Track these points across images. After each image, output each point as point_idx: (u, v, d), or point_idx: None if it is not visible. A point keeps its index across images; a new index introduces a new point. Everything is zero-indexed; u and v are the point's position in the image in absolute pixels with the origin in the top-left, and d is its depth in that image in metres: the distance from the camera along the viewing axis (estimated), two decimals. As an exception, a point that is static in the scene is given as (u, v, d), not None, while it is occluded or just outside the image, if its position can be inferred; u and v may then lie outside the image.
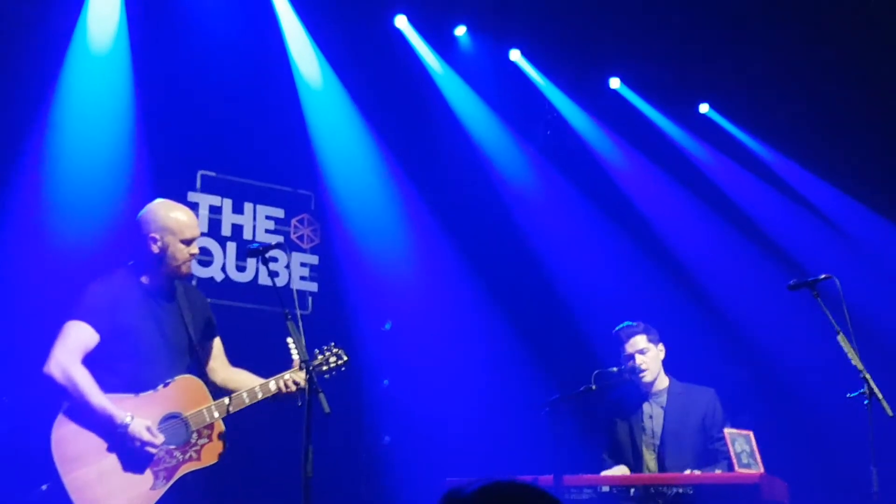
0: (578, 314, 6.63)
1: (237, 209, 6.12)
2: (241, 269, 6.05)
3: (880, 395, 4.15)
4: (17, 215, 5.00)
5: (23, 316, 4.55)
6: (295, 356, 3.95)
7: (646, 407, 5.07)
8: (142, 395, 3.81)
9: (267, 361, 4.81)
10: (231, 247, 6.03)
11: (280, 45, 6.11)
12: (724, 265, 6.87)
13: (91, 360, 3.76)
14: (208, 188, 6.03)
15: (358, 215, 6.33)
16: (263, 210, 6.21)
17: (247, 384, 4.05)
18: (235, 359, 5.47)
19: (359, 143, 6.36)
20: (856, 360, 4.24)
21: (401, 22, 6.53)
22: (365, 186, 6.38)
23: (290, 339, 3.91)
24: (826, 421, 5.88)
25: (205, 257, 5.95)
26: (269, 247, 4.13)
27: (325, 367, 4.15)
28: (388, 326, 6.23)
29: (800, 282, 4.55)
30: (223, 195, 6.07)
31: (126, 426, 3.68)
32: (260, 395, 4.01)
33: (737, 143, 7.29)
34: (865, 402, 4.18)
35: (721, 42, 6.73)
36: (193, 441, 3.85)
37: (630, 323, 5.09)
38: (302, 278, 6.25)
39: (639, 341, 5.02)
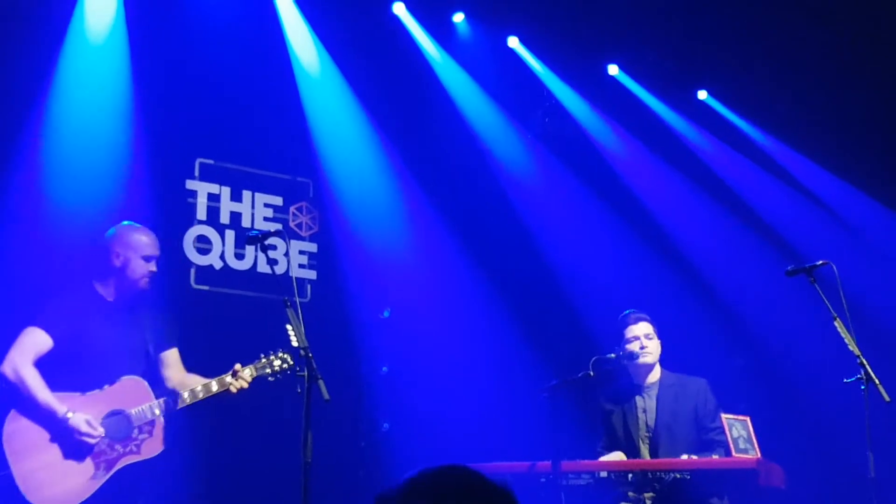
0: (576, 301, 6.64)
1: (235, 197, 6.12)
2: (239, 256, 6.06)
3: (877, 381, 4.18)
4: (14, 207, 5.00)
5: (21, 306, 4.56)
6: (294, 343, 3.97)
7: (638, 400, 5.07)
8: (88, 393, 4.17)
9: (266, 349, 4.83)
10: (230, 235, 6.04)
11: (278, 33, 6.10)
12: (722, 252, 6.88)
13: (44, 363, 4.13)
14: (206, 176, 6.03)
15: (356, 203, 6.34)
16: (262, 198, 6.21)
17: (196, 384, 4.33)
18: (235, 346, 5.50)
19: (357, 131, 6.36)
20: (853, 346, 4.26)
21: (399, 9, 6.52)
22: (363, 174, 6.38)
23: (289, 326, 3.95)
24: (823, 406, 5.90)
25: (204, 245, 5.96)
26: (267, 234, 4.24)
27: (268, 370, 4.37)
28: (386, 314, 6.25)
29: (797, 268, 4.57)
30: (221, 183, 6.07)
31: (67, 420, 4.05)
32: (201, 395, 4.29)
33: (735, 129, 7.28)
34: (862, 387, 4.20)
35: (719, 29, 6.72)
36: (135, 436, 4.18)
37: (637, 310, 5.11)
38: (301, 266, 6.26)
39: (647, 327, 5.05)
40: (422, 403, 5.98)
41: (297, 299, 4.04)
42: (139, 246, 4.38)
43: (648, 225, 6.99)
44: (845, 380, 4.29)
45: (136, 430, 4.18)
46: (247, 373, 4.31)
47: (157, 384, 4.36)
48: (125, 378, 4.24)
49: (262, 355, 4.39)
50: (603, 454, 5.02)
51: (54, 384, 4.14)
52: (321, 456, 3.97)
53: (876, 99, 6.83)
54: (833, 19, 6.54)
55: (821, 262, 4.49)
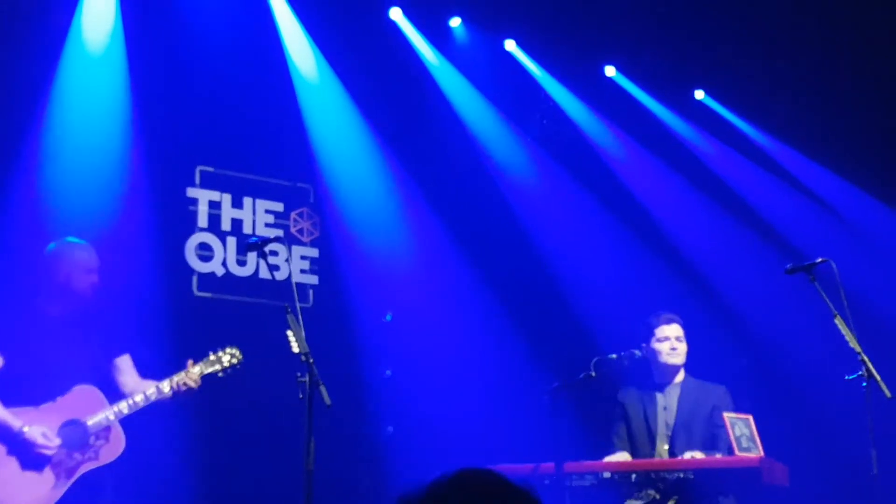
0: (576, 302, 6.65)
1: (236, 204, 6.13)
2: (241, 263, 6.07)
3: (878, 378, 4.18)
4: (13, 216, 5.01)
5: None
6: (295, 349, 3.99)
7: (660, 398, 5.10)
8: (41, 406, 4.22)
9: (268, 355, 4.85)
10: (231, 241, 6.05)
11: (275, 39, 6.12)
12: (721, 251, 6.88)
13: None
14: (207, 184, 6.04)
15: (357, 207, 6.35)
16: (263, 204, 6.23)
17: (136, 391, 4.37)
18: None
19: (356, 136, 6.38)
20: (853, 343, 4.27)
21: (395, 14, 6.53)
22: (363, 179, 6.39)
23: (289, 332, 3.97)
24: (825, 404, 5.91)
25: (205, 252, 5.98)
26: (267, 241, 4.26)
27: (218, 367, 4.46)
28: (389, 317, 6.26)
29: (796, 266, 4.58)
30: (222, 190, 6.08)
31: (22, 433, 4.11)
32: (154, 397, 4.34)
33: (733, 128, 7.29)
34: (864, 384, 4.20)
35: (716, 28, 6.73)
36: (91, 443, 4.23)
37: (669, 312, 5.13)
38: (302, 271, 6.27)
39: (679, 329, 5.09)
40: (425, 407, 5.99)
41: (299, 305, 4.06)
42: (79, 261, 4.42)
43: (647, 226, 7.00)
44: (847, 377, 4.30)
45: (92, 437, 4.24)
46: (196, 370, 4.40)
47: (113, 391, 4.39)
48: (77, 388, 4.29)
49: (211, 352, 4.47)
50: (616, 446, 5.03)
51: (7, 401, 4.17)
52: (325, 461, 3.99)
53: (875, 97, 6.84)
54: (831, 16, 6.55)
55: (820, 259, 4.50)
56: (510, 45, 6.95)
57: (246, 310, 5.92)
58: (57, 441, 4.16)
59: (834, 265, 4.43)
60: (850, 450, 5.24)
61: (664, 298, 6.12)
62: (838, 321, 4.32)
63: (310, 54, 6.25)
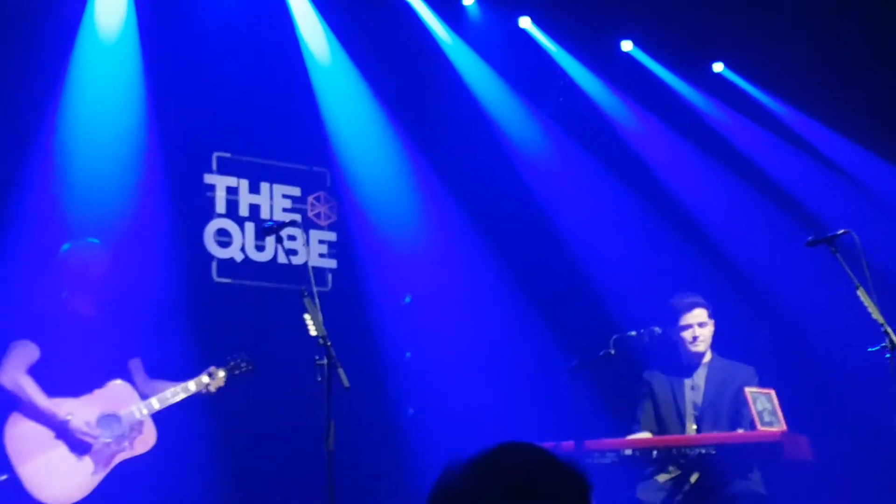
0: (595, 280, 6.61)
1: (254, 189, 6.15)
2: (260, 248, 6.09)
3: (901, 349, 4.13)
4: (30, 207, 5.05)
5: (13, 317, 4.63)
6: (312, 332, 4.01)
7: (687, 380, 5.07)
8: (80, 397, 4.45)
9: (288, 339, 4.87)
10: (249, 227, 6.07)
11: (288, 23, 6.11)
12: (742, 224, 6.81)
13: (35, 371, 4.40)
14: (224, 169, 6.06)
15: (374, 190, 6.34)
16: (280, 189, 6.24)
17: (167, 388, 4.63)
18: (259, 338, 5.54)
19: (371, 118, 6.36)
20: (876, 314, 4.23)
21: (408, -6, 6.50)
22: (379, 161, 6.38)
23: (306, 316, 3.99)
24: (848, 376, 5.85)
25: (224, 238, 6.00)
26: (283, 224, 4.31)
27: (236, 372, 4.76)
28: (407, 300, 6.26)
29: (818, 238, 4.53)
30: (239, 176, 6.10)
31: (68, 422, 4.36)
32: (181, 395, 4.61)
33: (752, 100, 7.19)
34: (887, 355, 4.16)
35: (733, -1, 6.64)
36: (126, 434, 4.46)
37: (693, 294, 5.08)
38: (321, 255, 6.28)
39: (701, 314, 5.04)
40: (445, 387, 6.00)
41: (316, 289, 4.08)
42: (91, 262, 4.62)
43: (667, 201, 6.94)
44: (870, 349, 4.26)
45: (127, 429, 4.47)
46: (221, 374, 4.69)
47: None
48: (111, 382, 4.54)
49: (231, 360, 4.76)
50: (644, 426, 5.02)
51: (47, 391, 4.40)
52: (346, 443, 4.01)
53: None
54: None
55: (842, 231, 4.44)
56: (525, 23, 6.89)
57: (265, 295, 5.95)
58: (98, 431, 4.40)
59: (856, 236, 4.38)
60: (873, 422, 5.19)
61: (684, 274, 6.09)
62: (861, 293, 4.27)
63: (323, 37, 6.23)
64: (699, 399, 5.01)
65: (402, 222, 6.35)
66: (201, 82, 5.74)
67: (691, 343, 5.00)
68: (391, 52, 6.45)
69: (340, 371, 3.84)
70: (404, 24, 6.47)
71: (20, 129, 5.15)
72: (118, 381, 4.56)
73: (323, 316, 4.04)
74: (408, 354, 6.11)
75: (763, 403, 4.60)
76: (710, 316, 5.07)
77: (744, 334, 6.14)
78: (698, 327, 5.01)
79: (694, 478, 4.65)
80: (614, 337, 4.73)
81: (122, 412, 4.48)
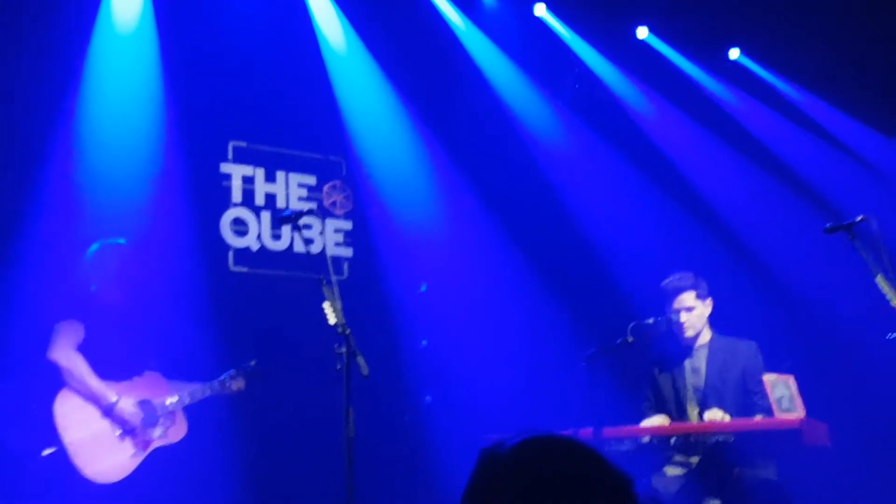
0: (613, 267, 6.60)
1: (270, 178, 6.16)
2: (276, 237, 6.11)
3: (921, 336, 4.12)
4: (48, 199, 5.07)
5: (56, 299, 4.68)
6: (332, 321, 4.02)
7: (687, 362, 5.05)
8: (121, 382, 4.60)
9: (305, 328, 4.89)
10: (265, 216, 6.09)
11: (304, 11, 6.10)
12: (760, 212, 6.78)
13: (82, 350, 4.53)
14: (240, 158, 6.07)
15: (389, 179, 6.35)
16: (296, 178, 6.25)
17: (192, 386, 4.80)
18: (276, 327, 5.57)
19: (386, 106, 6.36)
20: (895, 301, 4.20)
21: (423, -18, 6.48)
22: (395, 150, 6.38)
23: (325, 304, 4.00)
24: (866, 363, 5.82)
25: (240, 228, 6.01)
26: (300, 213, 4.31)
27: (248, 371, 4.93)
28: (424, 288, 6.27)
29: (836, 225, 4.49)
30: (255, 165, 6.11)
31: (114, 404, 4.50)
32: (209, 392, 4.79)
33: (769, 87, 7.15)
34: (906, 342, 4.15)
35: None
36: (161, 422, 4.62)
37: (680, 277, 5.04)
38: (337, 244, 6.29)
39: (686, 299, 4.98)
40: (462, 375, 6.01)
41: (334, 277, 4.08)
42: (117, 264, 4.73)
43: (684, 188, 6.91)
44: (889, 335, 4.24)
45: (161, 418, 4.62)
46: (241, 379, 4.90)
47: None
48: (147, 372, 4.70)
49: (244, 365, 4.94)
50: (648, 415, 5.01)
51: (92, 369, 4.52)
52: (365, 430, 4.02)
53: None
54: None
55: (860, 217, 4.41)
56: (540, 10, 6.87)
57: (282, 284, 5.96)
58: (140, 415, 4.55)
59: (874, 223, 4.35)
60: (892, 409, 5.18)
61: (701, 261, 6.06)
62: (879, 280, 4.24)
63: (338, 25, 6.23)
64: (700, 382, 4.98)
65: (418, 211, 6.35)
66: (217, 71, 5.75)
67: (679, 327, 4.98)
68: (407, 41, 6.44)
69: (360, 359, 3.85)
70: (420, 13, 6.46)
71: (39, 121, 5.17)
72: (154, 372, 4.71)
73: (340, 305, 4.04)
74: (424, 343, 6.13)
75: (781, 390, 4.59)
76: (702, 296, 5.00)
77: (763, 320, 6.12)
78: (685, 312, 4.96)
79: (694, 460, 4.64)
80: (632, 324, 4.72)
81: (157, 401, 4.63)
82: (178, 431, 4.67)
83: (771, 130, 7.07)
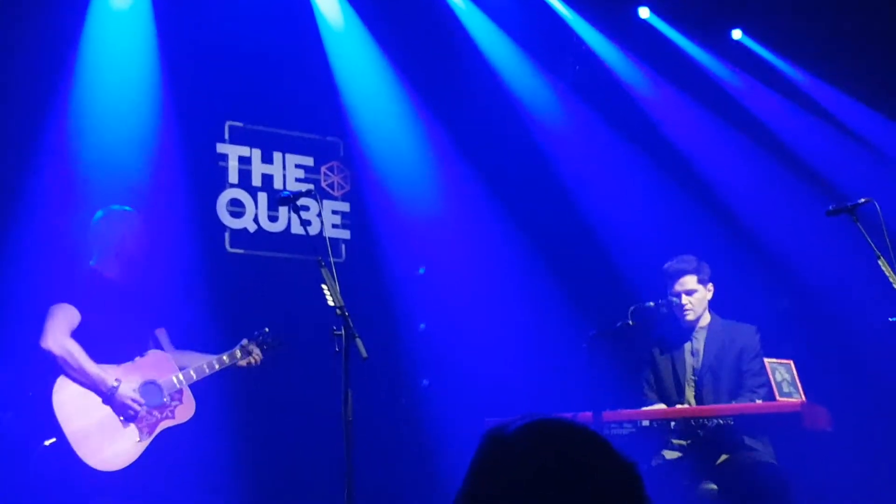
0: (613, 249, 6.56)
1: (266, 159, 6.11)
2: (273, 219, 6.06)
3: (923, 319, 4.09)
4: (44, 177, 5.02)
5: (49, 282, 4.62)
6: (330, 302, 3.99)
7: (687, 344, 5.04)
8: (122, 364, 4.45)
9: (302, 310, 4.85)
10: (262, 197, 6.04)
11: (301, -10, 6.04)
12: (762, 194, 6.74)
13: (78, 335, 4.38)
14: (237, 139, 6.02)
15: (387, 160, 6.29)
16: (293, 159, 6.19)
17: (201, 359, 4.66)
18: (273, 309, 5.53)
19: (385, 87, 6.29)
20: (898, 284, 4.17)
21: (422, -40, 6.41)
22: (393, 130, 6.33)
23: (324, 286, 3.97)
24: (868, 346, 5.80)
25: (237, 209, 5.97)
26: (299, 194, 4.27)
27: (265, 346, 4.80)
28: (422, 270, 6.23)
29: (838, 207, 4.47)
30: (252, 145, 6.06)
31: (115, 389, 4.35)
32: (217, 366, 4.65)
33: (772, 68, 7.09)
34: (909, 326, 4.13)
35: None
36: (167, 403, 4.48)
37: (682, 260, 5.01)
38: (334, 226, 6.25)
39: (688, 281, 4.96)
40: (460, 358, 5.98)
41: (332, 259, 4.05)
42: (125, 229, 4.61)
43: (685, 170, 6.86)
44: (890, 318, 4.22)
45: (167, 398, 4.48)
46: (256, 350, 4.73)
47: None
48: (151, 351, 4.57)
49: (258, 333, 4.80)
50: (650, 397, 5.00)
51: (91, 356, 4.37)
52: (362, 413, 3.99)
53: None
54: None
55: (863, 200, 4.38)
56: (540, -11, 6.79)
57: (279, 265, 5.93)
58: (143, 400, 4.40)
59: (877, 205, 4.32)
60: (894, 393, 5.16)
61: (703, 243, 6.03)
62: (882, 262, 4.22)
63: (337, 5, 6.16)
64: (698, 364, 4.97)
65: (417, 192, 6.30)
66: (214, 50, 5.69)
67: (679, 309, 4.96)
68: (406, 20, 6.37)
69: (359, 341, 3.82)
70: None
71: (35, 99, 5.12)
72: (158, 351, 4.59)
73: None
74: (422, 326, 6.10)
75: (782, 374, 4.57)
76: (703, 280, 4.98)
77: (764, 303, 6.09)
78: (685, 295, 4.95)
79: (694, 443, 4.63)
80: (632, 307, 4.70)
81: (162, 381, 4.49)
82: (185, 411, 4.53)
83: (773, 112, 7.01)
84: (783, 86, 7.06)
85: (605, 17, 6.87)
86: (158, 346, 4.64)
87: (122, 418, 4.35)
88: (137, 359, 4.49)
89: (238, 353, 4.68)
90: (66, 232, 4.84)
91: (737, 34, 7.15)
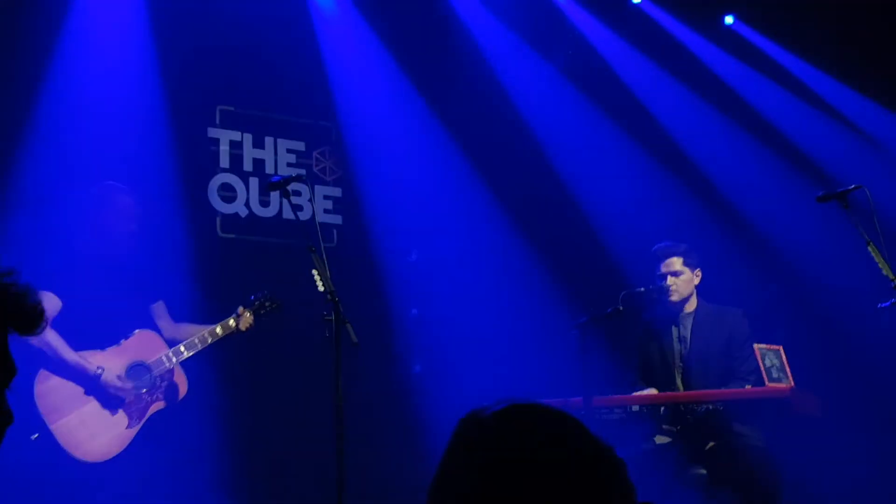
0: (605, 236, 6.57)
1: (258, 143, 6.08)
2: (264, 203, 6.04)
3: (912, 306, 4.11)
4: (38, 160, 5.00)
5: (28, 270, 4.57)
6: (321, 288, 3.98)
7: (674, 329, 5.05)
8: (107, 349, 4.32)
9: (293, 295, 4.85)
10: (253, 182, 6.02)
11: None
12: (753, 179, 6.75)
13: (58, 324, 4.22)
14: (228, 123, 5.99)
15: (379, 145, 6.28)
16: (284, 143, 6.17)
17: (195, 333, 4.51)
18: (265, 294, 5.51)
19: (377, 72, 6.27)
20: (887, 271, 4.19)
21: (414, -56, 6.37)
22: (385, 115, 6.31)
23: (314, 272, 3.96)
24: (857, 332, 5.83)
25: (228, 193, 5.95)
26: (289, 179, 4.24)
27: (262, 311, 4.66)
28: (414, 256, 6.23)
29: (829, 193, 4.48)
30: (243, 130, 6.03)
31: (98, 377, 4.23)
32: (209, 339, 4.49)
33: (764, 54, 7.09)
34: (897, 312, 4.14)
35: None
36: (158, 384, 4.37)
37: (670, 243, 5.04)
38: (326, 211, 6.23)
39: (674, 262, 4.99)
40: (452, 344, 5.98)
41: (323, 244, 4.04)
42: (121, 205, 4.52)
43: (677, 156, 6.87)
44: (879, 305, 4.23)
45: (157, 379, 4.38)
46: (248, 315, 4.58)
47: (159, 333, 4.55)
48: (138, 331, 4.42)
49: (255, 298, 4.67)
50: (639, 383, 5.02)
51: (74, 343, 4.26)
52: (354, 399, 4.00)
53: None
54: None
55: (853, 186, 4.39)
56: (533, -26, 6.76)
57: (270, 250, 5.91)
58: (130, 384, 4.29)
59: (867, 192, 4.33)
60: (883, 379, 5.18)
61: (695, 229, 6.04)
62: (871, 249, 4.23)
63: (328, -11, 6.13)
64: (686, 349, 4.99)
65: (409, 178, 6.29)
66: (205, 34, 5.65)
67: (666, 292, 4.98)
68: (398, 5, 6.34)
69: (349, 327, 3.83)
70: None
71: (25, 84, 5.08)
72: (145, 330, 4.44)
73: (329, 272, 4.01)
74: (414, 311, 6.10)
75: (771, 360, 4.59)
76: (690, 264, 5.00)
77: (753, 289, 6.11)
78: (671, 276, 4.97)
79: (683, 428, 4.65)
80: (623, 293, 4.71)
81: (151, 361, 4.37)
82: (177, 390, 4.43)
83: (765, 98, 7.01)
84: (775, 72, 7.05)
85: (597, 1, 6.85)
86: (150, 324, 4.49)
87: (108, 408, 4.23)
88: (123, 341, 4.36)
89: (231, 322, 4.53)
90: (50, 216, 4.77)
91: (729, 20, 7.14)
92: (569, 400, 4.51)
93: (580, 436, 1.42)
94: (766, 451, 4.67)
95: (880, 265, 4.21)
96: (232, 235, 5.91)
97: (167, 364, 4.40)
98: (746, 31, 7.11)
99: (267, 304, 4.68)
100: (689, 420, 4.64)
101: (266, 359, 5.40)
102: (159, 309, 4.61)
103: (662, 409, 4.67)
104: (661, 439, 4.76)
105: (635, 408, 4.66)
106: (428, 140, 6.41)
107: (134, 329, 4.42)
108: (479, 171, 6.49)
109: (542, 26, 6.83)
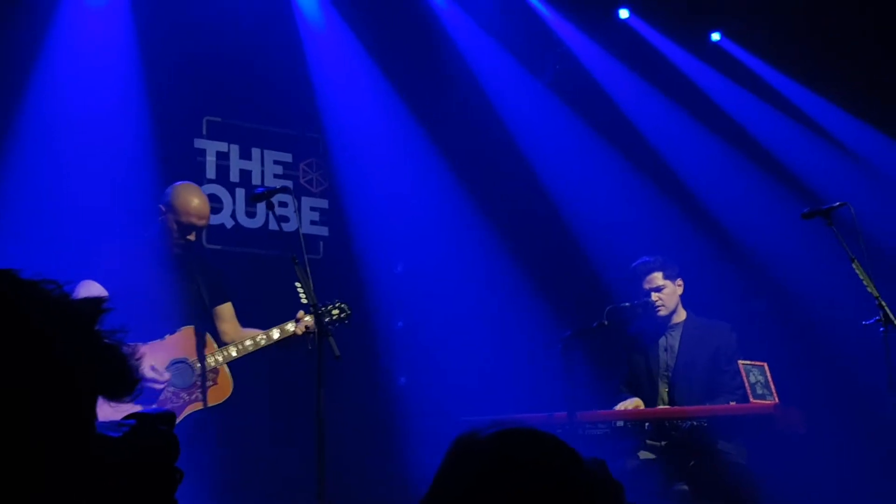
0: (591, 250, 6.58)
1: (244, 155, 6.07)
2: (250, 215, 6.03)
3: (896, 322, 4.12)
4: (19, 171, 4.97)
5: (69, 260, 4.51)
6: (303, 300, 3.97)
7: (661, 340, 5.05)
8: (150, 342, 4.13)
9: (278, 307, 4.82)
10: (240, 193, 6.01)
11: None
12: (738, 196, 6.77)
13: None
14: (214, 134, 5.98)
15: (366, 156, 6.27)
16: (271, 155, 6.17)
17: (252, 335, 4.37)
18: (248, 305, 5.49)
19: (364, 84, 6.28)
20: (871, 288, 4.21)
21: (402, -43, 6.39)
22: (372, 127, 6.31)
23: (297, 284, 3.95)
24: (842, 350, 5.85)
25: (214, 204, 5.92)
26: (273, 190, 4.23)
27: (327, 319, 4.32)
28: (399, 268, 6.22)
29: (813, 210, 4.50)
30: (230, 141, 6.02)
31: None
32: (263, 342, 4.31)
33: (750, 71, 7.13)
34: (881, 329, 4.15)
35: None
36: (199, 384, 4.19)
37: (647, 259, 5.04)
38: (312, 223, 6.22)
39: (655, 278, 4.98)
40: (437, 357, 5.97)
41: (307, 256, 4.03)
42: (182, 210, 4.34)
43: (663, 171, 6.89)
44: (864, 322, 4.24)
45: (199, 379, 4.20)
46: (308, 319, 4.27)
47: (215, 337, 4.39)
48: (184, 328, 4.28)
49: (322, 305, 4.29)
50: (624, 392, 5.01)
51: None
52: (338, 411, 3.99)
53: None
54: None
55: (838, 203, 4.42)
56: (521, -11, 6.79)
57: (256, 262, 5.89)
58: (167, 375, 4.13)
59: (852, 209, 4.35)
60: (867, 396, 5.19)
61: (680, 245, 6.06)
62: (856, 266, 4.25)
63: (316, 0, 6.13)
64: (672, 361, 4.99)
65: (395, 190, 6.29)
66: (192, 44, 5.64)
67: (652, 309, 4.98)
68: (385, 17, 6.35)
69: (331, 340, 3.81)
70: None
71: (10, 95, 5.05)
72: (192, 327, 4.29)
73: (314, 284, 3.99)
74: (400, 324, 6.08)
75: (756, 376, 4.59)
76: (671, 276, 4.99)
77: (739, 305, 6.12)
78: (654, 293, 4.97)
79: (667, 444, 4.64)
80: (608, 308, 4.71)
81: (193, 359, 4.21)
82: (219, 393, 4.23)
83: (751, 114, 7.04)
84: (761, 88, 7.09)
85: (585, 17, 6.88)
86: (206, 323, 4.32)
87: (139, 403, 4.08)
88: (167, 336, 4.21)
89: (290, 327, 4.32)
90: (47, 226, 4.74)
91: (716, 36, 7.18)
92: (553, 415, 4.50)
93: (574, 464, 1.43)
94: (747, 468, 4.66)
95: (865, 282, 4.23)
96: (218, 246, 5.89)
97: (212, 363, 4.24)
98: (733, 48, 7.14)
99: (335, 312, 4.38)
100: (673, 436, 4.63)
101: (249, 371, 5.37)
102: (226, 311, 4.47)
103: (647, 424, 4.66)
104: (645, 455, 4.76)
105: (620, 423, 4.65)
106: (415, 153, 6.41)
107: (181, 325, 4.27)
108: (465, 184, 6.49)
109: (530, 40, 6.85)
